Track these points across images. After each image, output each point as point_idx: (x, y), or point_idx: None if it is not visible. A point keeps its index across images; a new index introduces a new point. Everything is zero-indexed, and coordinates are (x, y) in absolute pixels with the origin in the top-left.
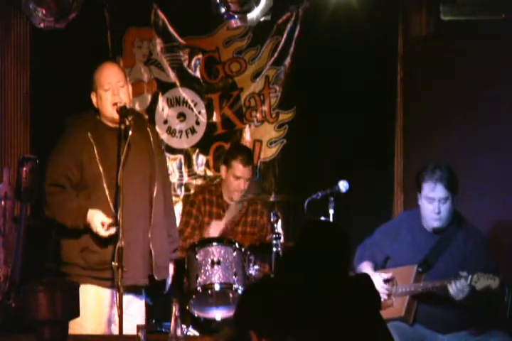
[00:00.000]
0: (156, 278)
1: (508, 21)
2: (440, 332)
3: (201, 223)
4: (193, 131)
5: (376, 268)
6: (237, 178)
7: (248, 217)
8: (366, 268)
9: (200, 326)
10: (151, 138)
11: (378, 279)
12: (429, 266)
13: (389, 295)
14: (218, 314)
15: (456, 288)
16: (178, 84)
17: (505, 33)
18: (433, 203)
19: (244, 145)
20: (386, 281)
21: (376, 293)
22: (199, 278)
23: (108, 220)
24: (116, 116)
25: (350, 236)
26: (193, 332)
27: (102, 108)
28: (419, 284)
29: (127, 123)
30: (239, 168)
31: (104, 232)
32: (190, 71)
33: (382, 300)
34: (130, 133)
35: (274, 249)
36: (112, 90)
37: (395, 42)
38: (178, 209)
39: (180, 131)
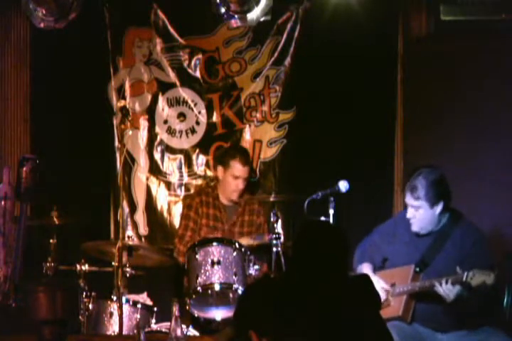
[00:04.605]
0: None
1: (508, 21)
2: (439, 331)
3: (200, 225)
4: (193, 131)
5: (375, 269)
6: (235, 178)
7: (245, 216)
8: (366, 270)
9: (200, 326)
10: None
11: (376, 285)
12: (425, 265)
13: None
14: (218, 314)
15: (443, 290)
16: (178, 84)
17: (505, 33)
18: (408, 209)
19: (241, 146)
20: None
21: (376, 293)
22: (199, 278)
23: None
24: None
25: (348, 237)
26: (193, 332)
27: None
28: (416, 283)
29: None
30: (238, 168)
31: None
32: (190, 71)
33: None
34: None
35: (274, 249)
36: None
37: (395, 42)
38: (177, 208)
39: (180, 131)
